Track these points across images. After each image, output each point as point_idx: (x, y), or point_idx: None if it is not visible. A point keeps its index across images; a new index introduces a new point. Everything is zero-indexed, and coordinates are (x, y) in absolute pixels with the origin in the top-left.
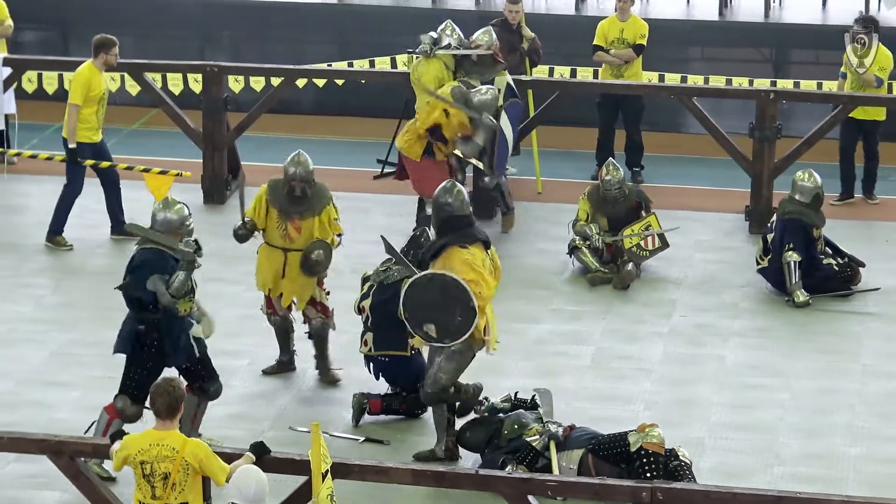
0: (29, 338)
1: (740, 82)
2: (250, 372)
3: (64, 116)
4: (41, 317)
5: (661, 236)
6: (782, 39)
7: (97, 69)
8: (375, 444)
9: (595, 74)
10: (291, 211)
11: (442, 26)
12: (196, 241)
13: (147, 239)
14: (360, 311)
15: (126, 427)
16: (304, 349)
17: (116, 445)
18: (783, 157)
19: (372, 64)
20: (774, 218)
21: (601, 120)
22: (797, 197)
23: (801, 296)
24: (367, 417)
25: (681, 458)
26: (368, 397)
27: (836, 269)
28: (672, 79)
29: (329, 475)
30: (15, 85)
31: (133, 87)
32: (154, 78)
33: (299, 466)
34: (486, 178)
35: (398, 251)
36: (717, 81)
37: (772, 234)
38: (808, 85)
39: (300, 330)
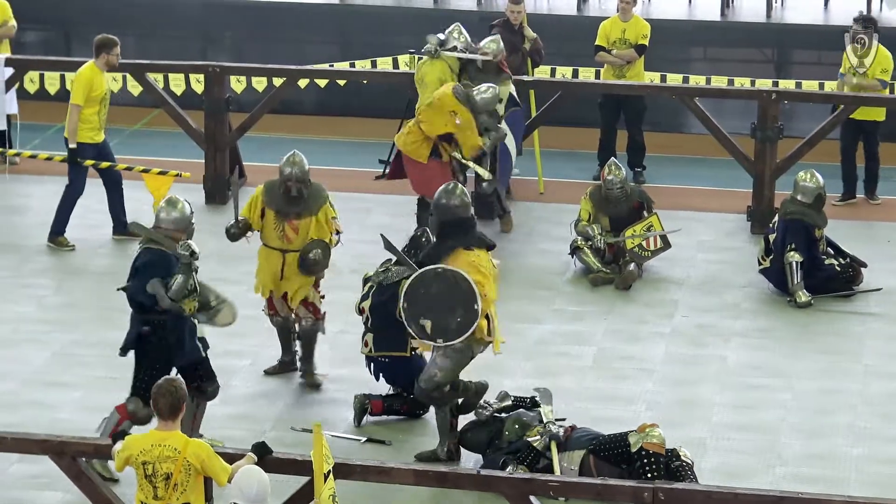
0: (31, 338)
1: (742, 83)
2: (252, 372)
3: (66, 117)
4: (43, 317)
5: (663, 237)
6: (784, 40)
7: (99, 69)
8: (377, 445)
9: (597, 75)
10: (288, 211)
11: (450, 28)
12: (190, 244)
13: (149, 238)
14: (360, 311)
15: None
16: None
17: (118, 446)
18: (785, 157)
19: (374, 64)
20: (776, 218)
21: (603, 120)
22: (799, 197)
23: (803, 296)
24: (368, 418)
25: (682, 458)
26: (370, 398)
27: (838, 269)
28: (674, 79)
29: (331, 475)
30: (17, 85)
31: (135, 88)
32: (156, 78)
33: (301, 467)
34: (485, 184)
35: (398, 249)
36: (719, 82)
37: (774, 235)
38: (809, 85)
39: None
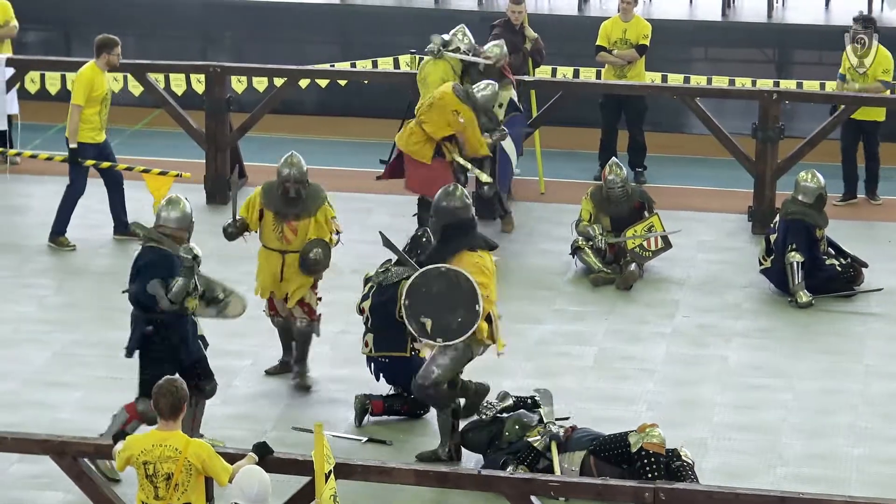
0: (32, 338)
1: (743, 83)
2: (253, 372)
3: (67, 117)
4: (44, 317)
5: (664, 237)
6: (785, 40)
7: (100, 69)
8: (378, 445)
9: (598, 75)
10: (287, 213)
11: (455, 30)
12: (193, 248)
13: (151, 238)
14: (360, 311)
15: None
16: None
17: (119, 446)
18: (786, 157)
19: (375, 64)
20: (777, 218)
21: (604, 120)
22: (800, 197)
23: (804, 296)
24: (369, 418)
25: (683, 458)
26: (371, 398)
27: (839, 269)
28: (675, 79)
29: (332, 475)
30: (18, 85)
31: (136, 88)
32: (157, 78)
33: (302, 467)
34: (486, 187)
35: (396, 246)
36: (720, 82)
37: (775, 235)
38: (810, 85)
39: None
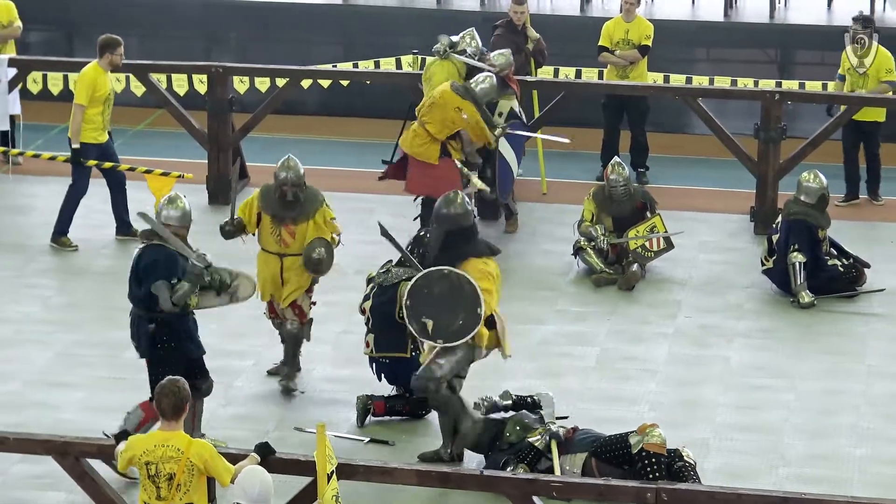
0: (34, 338)
1: (745, 83)
2: (255, 373)
3: (69, 117)
4: (46, 317)
5: (667, 238)
6: (787, 40)
7: (102, 69)
8: (380, 445)
9: (600, 75)
10: (284, 216)
11: (464, 33)
12: (206, 256)
13: (153, 234)
14: (362, 312)
15: None
16: (308, 350)
17: (121, 446)
18: (788, 157)
19: (377, 65)
20: (780, 219)
21: (606, 121)
22: (802, 198)
23: (806, 297)
24: (371, 418)
25: (685, 458)
26: (373, 399)
27: (842, 269)
28: (677, 80)
29: (334, 476)
30: (20, 86)
31: (138, 88)
32: (159, 79)
33: (304, 467)
34: (488, 190)
35: (393, 237)
36: (722, 82)
37: (777, 235)
38: (813, 86)
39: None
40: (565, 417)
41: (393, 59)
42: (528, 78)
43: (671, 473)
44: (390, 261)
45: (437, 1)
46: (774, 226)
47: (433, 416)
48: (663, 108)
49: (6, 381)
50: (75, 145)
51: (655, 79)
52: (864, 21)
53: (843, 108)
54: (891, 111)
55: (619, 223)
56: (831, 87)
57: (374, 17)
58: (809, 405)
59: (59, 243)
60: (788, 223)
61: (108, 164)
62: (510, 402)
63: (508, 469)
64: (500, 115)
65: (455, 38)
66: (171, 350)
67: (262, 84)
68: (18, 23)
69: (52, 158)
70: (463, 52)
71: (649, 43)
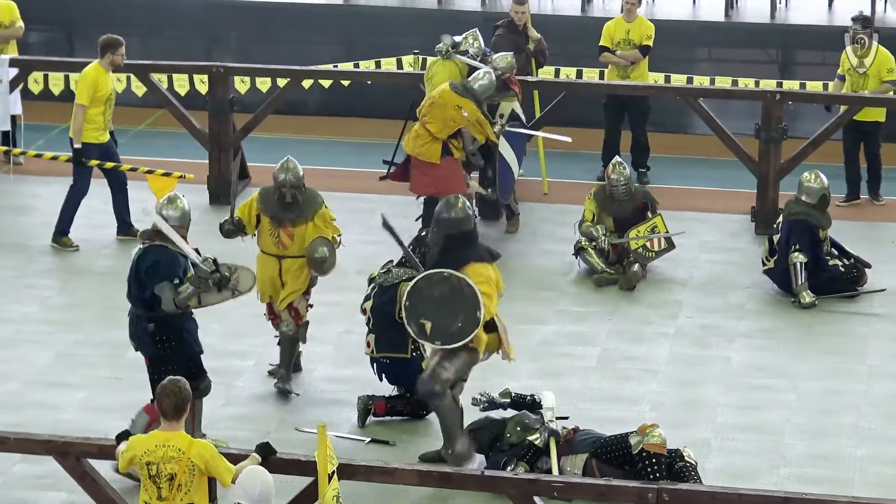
0: (35, 339)
1: (746, 83)
2: (256, 373)
3: (70, 117)
4: (47, 318)
5: (668, 238)
6: (788, 40)
7: (104, 69)
8: (381, 445)
9: (601, 75)
10: (283, 217)
11: (467, 33)
12: (215, 260)
13: (155, 234)
14: (363, 312)
15: None
16: (310, 350)
17: (122, 446)
18: (789, 158)
19: (378, 65)
20: (781, 219)
21: (607, 121)
22: (803, 198)
23: (807, 297)
24: (372, 419)
25: (686, 459)
26: (373, 399)
27: (842, 270)
28: (678, 80)
29: (335, 476)
30: (21, 86)
31: (139, 88)
32: (160, 79)
33: (305, 467)
34: (489, 190)
35: (395, 231)
36: (723, 82)
37: (778, 235)
38: (813, 86)
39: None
40: (566, 418)
41: (394, 60)
42: (530, 78)
43: (672, 474)
44: (391, 261)
45: (439, 1)
46: (775, 226)
47: (434, 416)
48: (664, 108)
49: (7, 381)
50: (77, 145)
51: (656, 79)
52: (864, 21)
53: (842, 107)
54: (891, 111)
55: (620, 223)
56: (831, 87)
57: (375, 17)
58: (810, 405)
59: (60, 243)
60: (789, 223)
61: (110, 165)
62: (508, 400)
63: (508, 468)
64: (502, 116)
65: (458, 39)
66: (172, 349)
67: (263, 84)
68: (20, 23)
69: (55, 158)
70: (465, 53)
71: (650, 43)
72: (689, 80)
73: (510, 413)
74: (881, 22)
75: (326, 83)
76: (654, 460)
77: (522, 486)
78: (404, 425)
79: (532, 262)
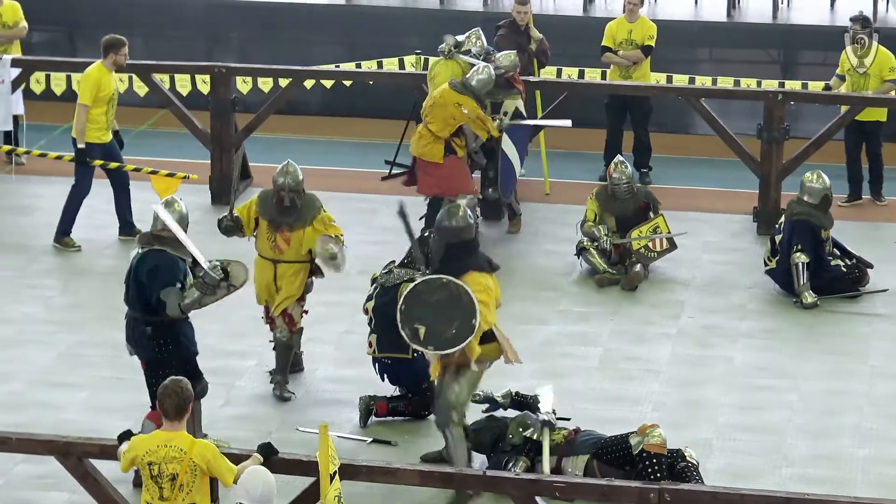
0: (37, 339)
1: (748, 83)
2: (257, 373)
3: (73, 117)
4: (49, 318)
5: (670, 238)
6: (790, 40)
7: (107, 69)
8: (383, 446)
9: (603, 75)
10: (281, 221)
11: (469, 32)
12: (224, 268)
13: (154, 238)
14: (365, 312)
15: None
16: (311, 350)
17: (124, 446)
18: (791, 158)
19: (380, 65)
20: (783, 219)
21: (609, 121)
22: (805, 198)
23: (809, 297)
24: (373, 419)
25: (688, 459)
26: (375, 399)
27: (844, 270)
28: (680, 80)
29: (337, 476)
30: (23, 86)
31: (141, 88)
32: (162, 79)
33: (307, 467)
34: (490, 190)
35: (409, 222)
36: (725, 82)
37: (780, 236)
38: (816, 86)
39: (307, 331)
40: (568, 419)
41: (396, 60)
42: (532, 78)
43: (674, 474)
44: (393, 261)
45: (441, 1)
46: (777, 226)
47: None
48: (666, 108)
49: (9, 382)
50: (80, 145)
51: (658, 79)
52: (864, 21)
53: (839, 89)
54: (893, 111)
55: (622, 223)
56: (839, 87)
57: (377, 17)
58: (812, 406)
59: (62, 243)
60: (791, 223)
61: (113, 165)
62: (508, 399)
63: (509, 465)
64: (506, 114)
65: (461, 38)
66: (169, 352)
67: (265, 84)
68: (24, 23)
69: (59, 158)
70: (468, 52)
71: (652, 43)
72: (691, 81)
73: (512, 413)
74: (882, 22)
75: (328, 83)
76: (654, 460)
77: (524, 486)
78: (406, 425)
79: (534, 262)
